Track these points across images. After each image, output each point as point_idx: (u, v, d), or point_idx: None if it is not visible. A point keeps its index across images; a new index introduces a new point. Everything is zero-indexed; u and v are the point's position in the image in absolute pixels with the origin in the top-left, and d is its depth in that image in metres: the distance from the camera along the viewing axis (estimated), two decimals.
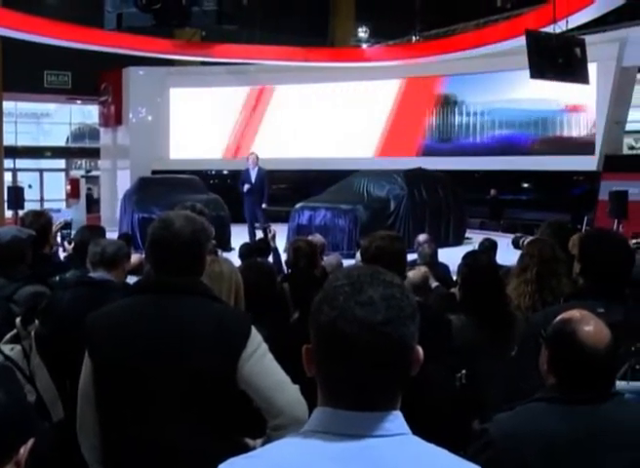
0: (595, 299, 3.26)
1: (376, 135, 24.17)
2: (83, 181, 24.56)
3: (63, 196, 28.09)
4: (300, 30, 26.70)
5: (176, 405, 2.67)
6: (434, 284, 6.39)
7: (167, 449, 2.67)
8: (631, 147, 24.31)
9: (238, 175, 16.90)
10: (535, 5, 19.17)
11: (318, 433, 1.49)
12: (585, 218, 18.48)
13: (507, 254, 8.11)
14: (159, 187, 17.69)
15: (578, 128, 20.46)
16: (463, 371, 3.67)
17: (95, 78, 26.00)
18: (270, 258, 7.28)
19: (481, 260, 4.62)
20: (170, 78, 25.46)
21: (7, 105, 30.43)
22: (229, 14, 13.32)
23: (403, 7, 26.74)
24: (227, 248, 13.38)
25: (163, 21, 12.10)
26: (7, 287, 4.47)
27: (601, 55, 18.04)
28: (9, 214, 19.20)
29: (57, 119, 33.99)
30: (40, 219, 5.55)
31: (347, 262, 7.38)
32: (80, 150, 33.19)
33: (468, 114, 22.44)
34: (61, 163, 33.32)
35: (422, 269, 5.88)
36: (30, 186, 29.07)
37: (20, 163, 31.39)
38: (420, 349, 1.53)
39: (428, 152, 22.93)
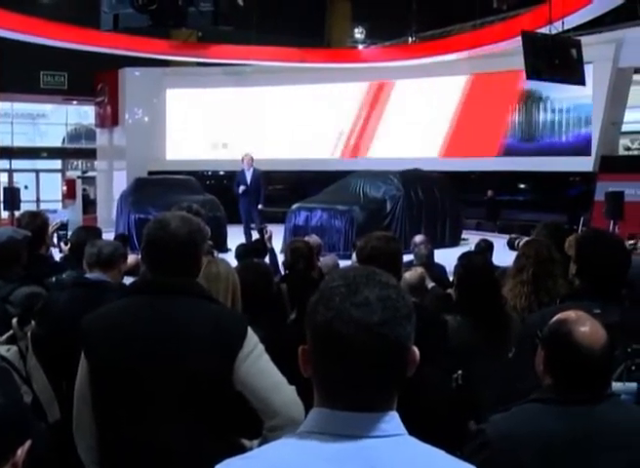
0: (591, 300, 3.27)
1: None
2: (79, 182, 24.57)
3: (60, 197, 28.12)
4: (296, 31, 26.70)
5: (172, 406, 2.67)
6: (430, 284, 6.39)
7: (163, 450, 2.66)
8: (627, 148, 24.34)
9: (234, 177, 16.89)
10: (531, 6, 19.18)
11: (314, 433, 1.49)
12: (582, 219, 18.49)
13: (504, 255, 8.12)
14: (155, 188, 17.67)
15: None
16: (460, 372, 3.67)
17: (91, 79, 25.99)
18: (267, 259, 7.27)
19: (476, 261, 4.62)
20: (166, 79, 25.45)
21: (3, 106, 30.58)
22: (225, 14, 13.33)
23: (399, 8, 26.74)
24: (224, 248, 13.37)
25: (159, 22, 12.10)
26: (2, 288, 4.46)
27: (597, 56, 18.07)
28: (5, 214, 19.21)
29: (53, 120, 33.98)
30: (36, 220, 5.55)
31: (344, 263, 7.38)
32: (76, 151, 33.17)
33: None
34: (58, 163, 33.30)
35: (419, 270, 5.88)
36: (26, 187, 29.01)
37: (16, 164, 31.41)
38: (416, 350, 1.53)
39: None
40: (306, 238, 7.42)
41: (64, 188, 24.60)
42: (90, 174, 31.42)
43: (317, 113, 24.10)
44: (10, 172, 31.01)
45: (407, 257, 7.56)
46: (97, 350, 2.77)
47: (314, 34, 28.07)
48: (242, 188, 15.80)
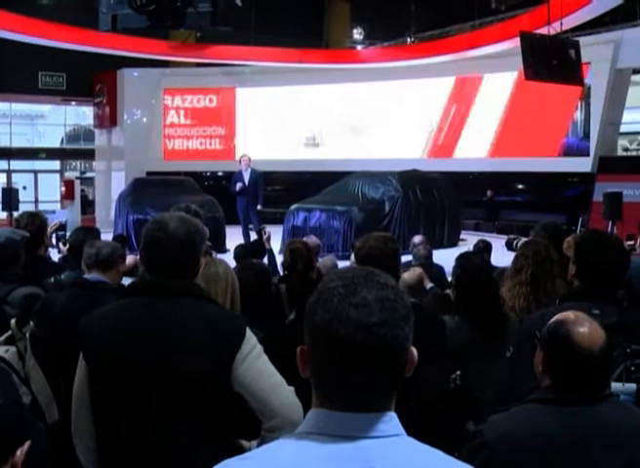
0: (590, 301, 3.27)
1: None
2: (78, 183, 24.53)
3: (58, 197, 28.09)
4: (294, 32, 26.70)
5: (171, 406, 2.67)
6: (429, 285, 6.40)
7: (162, 451, 2.66)
8: (626, 149, 24.37)
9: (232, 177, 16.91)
10: (529, 7, 19.20)
11: (312, 434, 1.49)
12: (580, 220, 18.51)
13: (502, 256, 8.12)
14: (154, 189, 17.69)
15: None
16: (458, 372, 3.67)
17: (89, 79, 26.00)
18: (265, 260, 7.27)
19: (474, 261, 4.62)
20: (164, 79, 25.46)
21: (1, 106, 30.61)
22: (224, 15, 13.34)
23: (398, 9, 26.76)
24: (222, 249, 13.38)
25: (158, 23, 12.11)
26: (1, 288, 4.47)
27: (596, 56, 18.09)
28: (3, 215, 19.19)
29: (51, 120, 33.97)
30: (35, 221, 5.55)
31: (342, 264, 7.39)
32: (75, 151, 33.16)
33: None
34: (56, 164, 33.28)
35: (417, 270, 5.88)
36: (25, 188, 29.02)
37: (15, 164, 31.39)
38: (414, 350, 1.53)
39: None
40: (305, 238, 7.41)
41: (63, 189, 24.56)
42: (88, 174, 31.47)
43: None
44: (8, 172, 30.99)
45: (406, 258, 7.57)
46: (95, 351, 2.77)
47: (313, 35, 28.07)
48: (239, 185, 15.76)
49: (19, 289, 4.52)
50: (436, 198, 17.14)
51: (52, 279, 4.95)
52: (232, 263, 5.83)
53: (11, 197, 17.54)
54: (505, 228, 19.85)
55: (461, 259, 4.61)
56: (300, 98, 24.29)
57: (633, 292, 3.83)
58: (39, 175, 32.12)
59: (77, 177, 27.73)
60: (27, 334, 3.73)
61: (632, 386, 2.81)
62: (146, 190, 17.73)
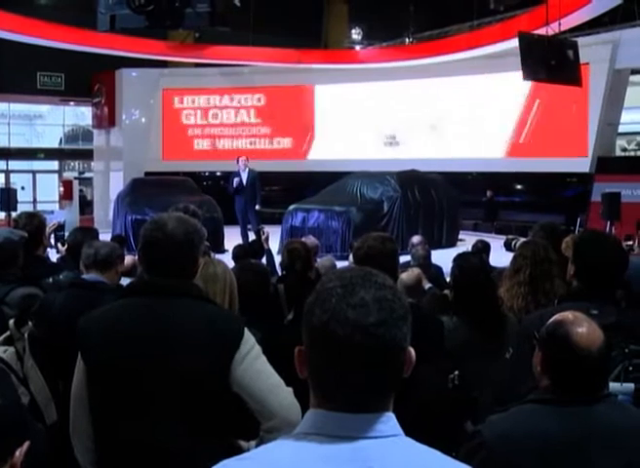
0: (589, 301, 3.27)
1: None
2: (76, 183, 24.54)
3: (56, 198, 28.05)
4: (293, 32, 26.71)
5: (169, 407, 2.66)
6: (427, 285, 6.40)
7: (160, 451, 2.66)
8: (624, 149, 24.39)
9: (229, 177, 16.92)
10: (528, 7, 19.20)
11: (310, 435, 1.49)
12: (578, 220, 18.52)
13: (501, 256, 8.13)
14: (152, 189, 17.69)
15: None
16: (456, 372, 3.67)
17: (88, 79, 25.98)
18: (264, 260, 7.28)
19: (472, 262, 4.62)
20: (163, 79, 25.45)
21: (0, 107, 30.53)
22: (222, 15, 13.35)
23: (396, 9, 26.77)
24: (221, 249, 13.38)
25: (156, 23, 12.11)
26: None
27: (594, 57, 18.09)
28: (1, 215, 19.19)
29: (50, 120, 33.94)
30: (34, 221, 5.54)
31: (341, 264, 7.39)
32: (73, 152, 33.14)
33: None
34: (54, 164, 33.26)
35: (416, 271, 5.88)
36: (23, 188, 29.01)
37: (13, 164, 31.36)
38: (412, 350, 1.53)
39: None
40: (303, 239, 7.42)
41: (61, 189, 24.54)
42: (87, 174, 31.46)
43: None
44: (7, 172, 30.97)
45: (404, 258, 7.58)
46: (93, 351, 2.77)
47: (311, 35, 28.08)
48: (236, 181, 15.73)
49: (17, 289, 4.52)
50: (435, 198, 17.15)
51: (50, 279, 4.95)
52: (231, 264, 5.83)
53: (9, 197, 17.51)
54: (504, 228, 19.87)
55: (459, 260, 4.61)
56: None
57: (631, 293, 3.84)
58: (37, 176, 32.09)
59: (75, 178, 27.78)
60: (26, 335, 3.72)
61: (630, 386, 2.82)
62: (145, 190, 17.74)
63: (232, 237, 14.44)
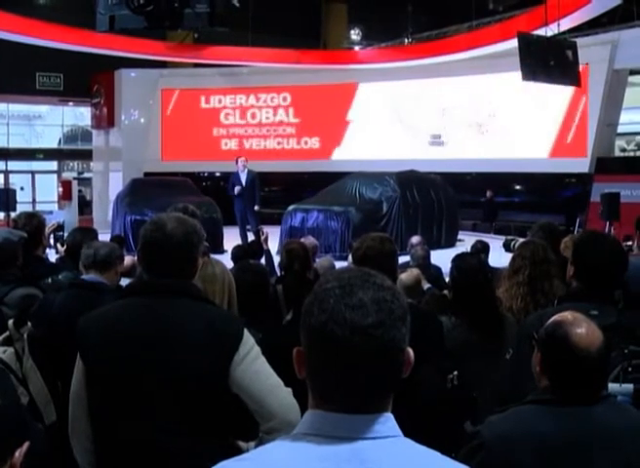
0: (589, 302, 3.28)
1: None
2: (75, 183, 24.49)
3: (55, 198, 28.05)
4: (291, 33, 26.73)
5: (168, 407, 2.66)
6: (426, 286, 6.40)
7: (159, 452, 2.66)
8: (623, 149, 24.38)
9: (228, 177, 16.93)
10: (527, 8, 19.20)
11: (309, 436, 1.49)
12: (578, 220, 18.52)
13: (500, 257, 8.12)
14: (151, 189, 17.69)
15: None
16: (455, 373, 3.67)
17: (87, 80, 25.98)
18: (262, 260, 7.27)
19: (470, 262, 4.61)
20: (162, 80, 25.45)
21: None
22: (221, 16, 13.33)
23: (395, 10, 26.78)
24: (220, 250, 13.38)
25: (155, 24, 12.09)
26: None
27: (593, 57, 18.09)
28: (0, 216, 19.18)
29: (49, 121, 33.95)
30: (33, 221, 5.54)
31: (340, 264, 7.39)
32: (72, 152, 33.14)
33: None
34: (54, 165, 33.26)
35: (415, 271, 5.88)
36: (22, 188, 29.00)
37: (12, 165, 31.36)
38: (410, 351, 1.53)
39: None
40: (302, 239, 7.42)
41: (60, 189, 24.50)
42: (86, 175, 31.44)
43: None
44: (6, 173, 30.97)
45: (403, 259, 7.58)
46: (93, 351, 2.77)
47: (310, 36, 28.09)
48: (237, 189, 15.79)
49: (16, 289, 4.52)
50: (434, 198, 17.15)
51: (49, 280, 4.95)
52: (229, 264, 5.83)
53: (8, 198, 17.49)
54: (503, 229, 19.87)
55: (458, 260, 4.61)
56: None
57: (630, 293, 3.83)
58: (36, 176, 32.10)
59: (75, 178, 27.73)
60: (25, 335, 3.72)
61: (629, 387, 2.82)
62: (144, 191, 17.74)
63: (231, 237, 14.43)
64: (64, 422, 2.92)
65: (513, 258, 4.89)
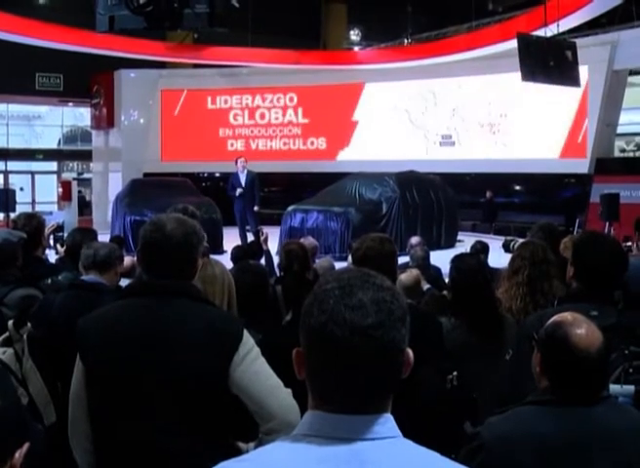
0: (588, 302, 3.27)
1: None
2: (75, 184, 24.47)
3: (55, 199, 28.06)
4: (292, 33, 26.74)
5: (168, 408, 2.66)
6: (426, 286, 6.40)
7: (159, 453, 2.66)
8: (622, 150, 24.39)
9: (228, 178, 16.93)
10: (526, 8, 19.20)
11: (308, 436, 1.48)
12: (577, 221, 18.52)
13: (500, 257, 8.12)
14: (151, 190, 17.69)
15: None
16: (455, 373, 3.67)
17: (86, 80, 25.98)
18: (262, 261, 7.27)
19: (469, 263, 4.61)
20: (161, 80, 25.45)
21: None
22: (221, 16, 13.31)
23: (394, 10, 26.79)
24: (219, 250, 13.39)
25: (155, 24, 12.07)
26: None
27: (592, 57, 18.08)
28: (0, 216, 19.17)
29: (48, 121, 33.96)
30: (32, 222, 5.55)
31: (339, 265, 7.38)
32: (72, 153, 33.16)
33: None
34: (53, 165, 33.27)
35: (414, 272, 5.88)
36: (22, 189, 29.00)
37: (12, 165, 31.37)
38: (410, 352, 1.53)
39: None
40: (302, 240, 7.42)
41: (60, 190, 24.50)
42: (85, 175, 31.44)
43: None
44: (5, 173, 30.98)
45: (403, 259, 7.58)
46: (92, 352, 2.77)
47: (310, 36, 28.10)
48: (239, 191, 15.80)
49: (16, 290, 4.52)
50: (433, 199, 17.16)
51: (49, 280, 4.95)
52: (229, 265, 5.83)
53: (8, 198, 17.49)
54: (503, 229, 19.86)
55: (457, 261, 4.60)
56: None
57: (629, 293, 3.83)
58: (36, 177, 32.11)
59: (74, 179, 27.72)
60: (25, 336, 3.73)
61: (630, 388, 2.82)
62: (144, 191, 17.75)
63: (231, 238, 14.43)
64: (64, 423, 2.92)
65: (513, 259, 4.89)
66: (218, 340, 2.68)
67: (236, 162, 16.28)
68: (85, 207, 26.95)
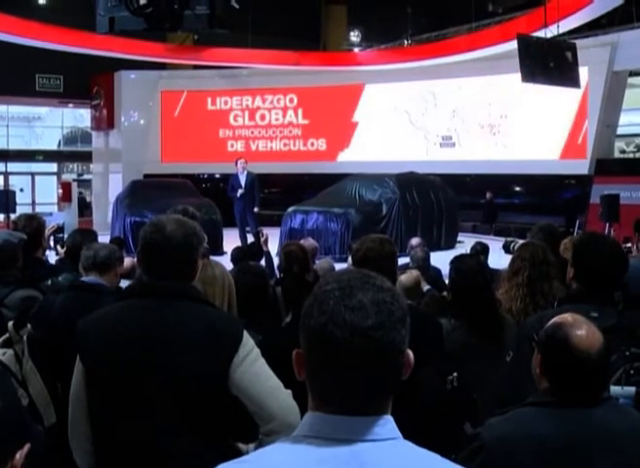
0: (589, 303, 3.27)
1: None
2: (75, 185, 24.46)
3: (55, 200, 28.07)
4: (292, 34, 26.75)
5: (168, 409, 2.66)
6: (426, 287, 6.40)
7: (159, 454, 2.66)
8: (622, 151, 24.38)
9: (228, 179, 16.94)
10: (526, 9, 19.20)
11: (308, 438, 1.48)
12: (577, 222, 18.52)
13: (500, 258, 8.12)
14: (151, 191, 17.69)
15: None
16: (455, 374, 3.67)
17: (87, 81, 25.99)
18: (262, 262, 7.27)
19: (469, 264, 4.60)
20: (162, 81, 25.44)
21: None
22: (221, 17, 13.32)
23: (394, 11, 26.79)
24: (219, 251, 13.39)
25: (155, 25, 12.07)
26: None
27: (592, 59, 18.08)
28: (0, 217, 19.18)
29: (48, 122, 33.99)
30: (33, 223, 5.55)
31: (339, 266, 7.38)
32: (72, 154, 33.18)
33: None
34: (53, 166, 33.31)
35: (414, 273, 5.88)
36: (22, 190, 29.02)
37: (12, 166, 31.40)
38: (410, 353, 1.53)
39: None
40: (302, 241, 7.42)
41: (60, 191, 24.49)
42: (85, 176, 31.46)
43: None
44: (5, 174, 31.01)
45: (403, 260, 7.57)
46: (92, 353, 2.77)
47: (310, 37, 28.10)
48: (240, 192, 15.80)
49: (16, 291, 4.52)
50: (433, 200, 17.15)
51: (49, 281, 4.94)
52: (229, 266, 5.83)
53: (8, 199, 17.49)
54: (503, 230, 19.85)
55: (457, 262, 4.60)
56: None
57: (629, 294, 3.83)
58: (36, 178, 32.13)
59: (74, 180, 27.73)
60: (25, 337, 3.73)
61: (631, 389, 2.81)
62: (144, 192, 17.74)
63: (231, 239, 14.42)
64: (64, 424, 2.92)
65: (513, 260, 4.89)
66: (218, 341, 2.68)
67: (236, 163, 16.28)
68: (85, 208, 26.94)
